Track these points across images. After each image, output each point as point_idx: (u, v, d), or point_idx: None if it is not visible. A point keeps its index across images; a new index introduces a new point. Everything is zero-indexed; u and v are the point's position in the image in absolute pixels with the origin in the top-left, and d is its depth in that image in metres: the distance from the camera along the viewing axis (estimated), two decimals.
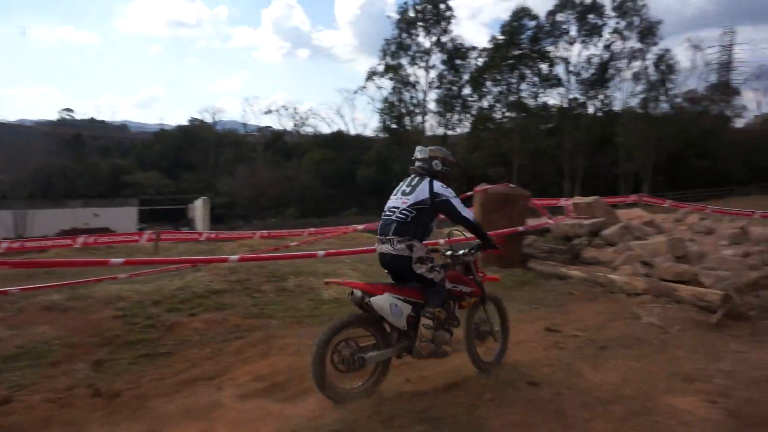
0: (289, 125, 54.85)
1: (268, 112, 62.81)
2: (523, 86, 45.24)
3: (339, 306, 5.46)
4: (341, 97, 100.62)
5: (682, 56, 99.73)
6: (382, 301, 3.23)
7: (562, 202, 10.16)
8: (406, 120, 45.49)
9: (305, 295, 5.97)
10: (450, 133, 46.64)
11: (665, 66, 43.28)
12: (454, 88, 45.94)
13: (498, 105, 46.26)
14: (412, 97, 45.53)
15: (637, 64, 43.72)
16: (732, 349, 4.22)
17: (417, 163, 3.56)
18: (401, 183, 3.52)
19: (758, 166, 42.73)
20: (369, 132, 52.15)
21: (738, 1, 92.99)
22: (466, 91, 46.32)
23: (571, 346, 4.29)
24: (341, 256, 7.13)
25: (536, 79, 44.91)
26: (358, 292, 3.26)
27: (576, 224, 8.19)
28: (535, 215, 9.34)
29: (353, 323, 3.27)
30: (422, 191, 3.37)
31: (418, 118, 45.25)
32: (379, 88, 47.05)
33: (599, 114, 46.06)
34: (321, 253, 5.62)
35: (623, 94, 45.53)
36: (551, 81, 44.84)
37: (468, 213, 3.44)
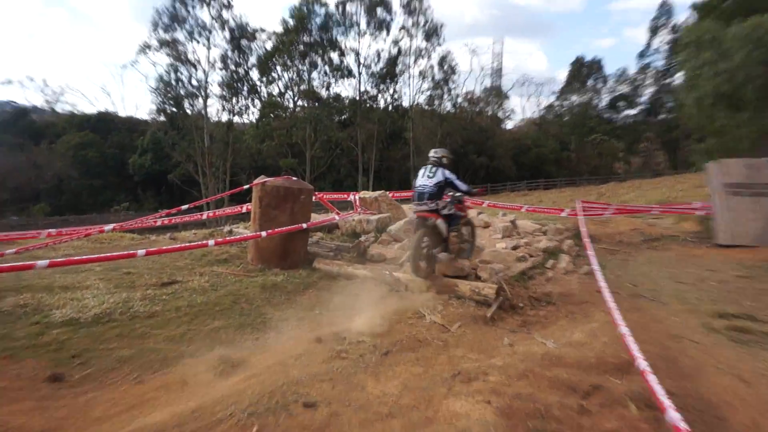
0: (38, 101, 47.01)
1: (8, 82, 53.05)
2: (315, 75, 46.05)
3: (74, 330, 4.55)
4: (108, 71, 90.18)
5: (461, 59, 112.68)
6: (439, 222, 6.18)
7: (351, 196, 10.29)
8: (186, 103, 42.56)
9: (28, 317, 4.87)
10: (237, 120, 45.14)
11: (448, 66, 48.28)
12: (240, 70, 44.49)
13: (289, 92, 46.28)
14: (191, 77, 42.74)
15: (423, 62, 47.81)
16: (505, 343, 4.54)
17: (433, 158, 6.49)
18: (424, 169, 6.42)
19: (525, 164, 50.54)
20: (143, 114, 47.59)
21: (504, 16, 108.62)
22: (254, 75, 45.31)
23: (355, 355, 4.17)
24: (91, 263, 6.06)
25: (327, 68, 46.05)
26: (432, 219, 6.16)
27: (363, 220, 8.27)
28: (324, 213, 9.21)
29: (425, 235, 6.11)
30: (439, 176, 6.29)
31: (200, 102, 42.70)
32: (154, 64, 43.34)
33: (390, 108, 49.20)
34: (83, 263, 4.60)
35: (411, 90, 49.46)
36: (342, 71, 46.46)
37: (464, 186, 6.37)
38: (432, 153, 6.61)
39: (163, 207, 36.25)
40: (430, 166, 6.45)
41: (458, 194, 6.56)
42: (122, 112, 48.00)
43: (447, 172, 6.39)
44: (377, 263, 7.13)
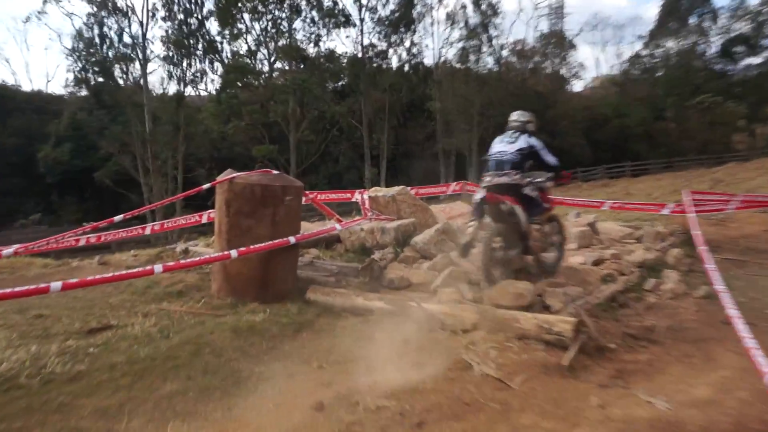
0: None
1: None
2: (298, 24, 46.38)
3: None
4: (3, 28, 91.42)
5: None
6: (518, 209, 6.72)
7: (356, 195, 10.22)
8: (117, 69, 42.94)
9: None
10: (190, 92, 45.44)
11: (487, 5, 48.19)
12: (192, 20, 44.68)
13: (262, 51, 46.51)
14: (123, 32, 43.03)
15: (451, 1, 47.80)
16: (593, 404, 4.40)
17: (516, 123, 7.31)
18: (502, 136, 7.31)
19: (602, 142, 50.22)
20: (57, 88, 48.08)
21: None
22: (213, 27, 45.66)
23: (373, 428, 4.05)
24: None
25: (315, 13, 46.22)
26: (507, 203, 6.77)
27: (376, 229, 8.25)
28: (322, 220, 9.22)
29: (493, 234, 6.79)
30: (521, 142, 7.07)
31: (137, 67, 43.06)
32: (70, 15, 43.71)
33: (407, 69, 49.27)
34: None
35: (436, 43, 49.47)
36: (337, 18, 46.58)
37: (551, 158, 7.15)
38: (515, 116, 7.48)
39: (90, 218, 36.44)
40: (510, 131, 7.36)
41: (542, 179, 7.24)
42: (27, 86, 48.47)
43: (533, 139, 7.18)
44: (398, 291, 7.07)
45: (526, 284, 6.46)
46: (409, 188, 10.58)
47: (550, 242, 7.62)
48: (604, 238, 9.69)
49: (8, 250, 8.18)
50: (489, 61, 50.20)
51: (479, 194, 7.21)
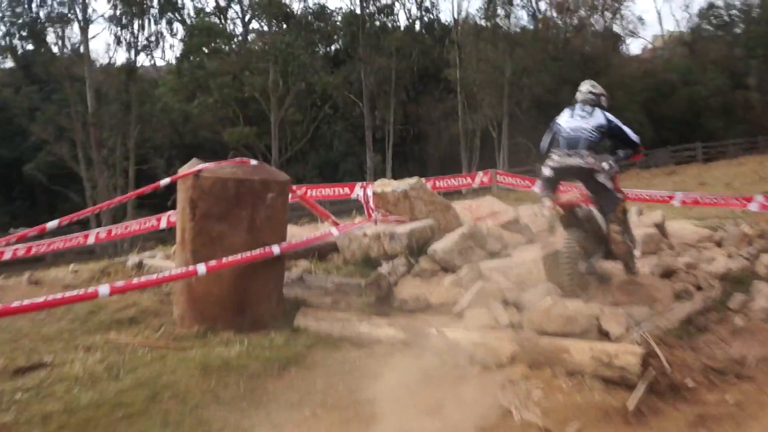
0: None
1: None
2: None
3: None
4: None
5: None
6: (596, 213, 7.45)
7: (357, 191, 10.17)
8: (51, 33, 42.98)
9: None
10: (143, 61, 45.46)
11: None
12: None
13: (234, 7, 46.53)
14: None
15: None
16: None
17: (585, 96, 7.84)
18: (571, 109, 7.84)
19: (666, 117, 50.05)
20: None
21: None
22: None
23: None
24: None
25: None
26: (584, 207, 7.44)
27: (384, 234, 8.20)
28: (313, 222, 9.20)
29: (575, 244, 7.18)
30: (599, 117, 7.56)
31: (75, 30, 43.10)
32: None
33: (419, 27, 49.24)
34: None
35: None
36: None
37: (635, 135, 7.75)
38: (587, 87, 8.01)
39: (18, 223, 36.50)
40: (580, 104, 7.89)
41: (618, 158, 7.87)
42: None
43: (610, 115, 7.72)
44: (413, 314, 7.02)
45: (578, 304, 6.39)
46: (424, 180, 10.49)
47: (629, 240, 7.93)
48: (675, 242, 9.62)
49: None
50: (522, 17, 50.30)
51: (547, 170, 7.76)
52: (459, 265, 8.12)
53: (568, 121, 7.74)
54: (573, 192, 8.00)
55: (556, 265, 7.24)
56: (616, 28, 56.37)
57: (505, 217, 10.39)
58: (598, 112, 7.66)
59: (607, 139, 7.75)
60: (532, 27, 50.82)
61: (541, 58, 47.74)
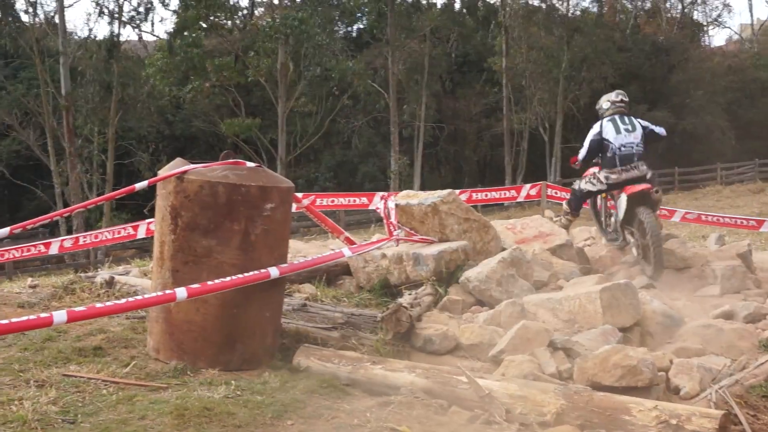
0: None
1: None
2: None
3: None
4: None
5: None
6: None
7: (376, 201, 10.06)
8: (19, 1, 43.35)
9: None
10: (128, 35, 45.73)
11: None
12: None
13: None
14: None
15: None
16: None
17: (619, 106, 9.96)
18: (612, 122, 9.78)
19: (752, 125, 49.65)
20: None
21: None
22: None
23: None
24: None
25: None
26: (660, 192, 9.59)
27: (406, 256, 8.10)
28: (323, 235, 9.15)
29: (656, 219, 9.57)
30: (638, 128, 9.73)
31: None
32: None
33: (458, 6, 49.33)
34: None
35: None
36: None
37: (661, 129, 10.31)
38: (619, 96, 10.18)
39: None
40: (617, 115, 9.94)
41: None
42: None
43: (641, 120, 9.97)
44: (439, 356, 6.95)
45: (641, 352, 6.23)
46: (458, 192, 10.36)
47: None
48: (763, 277, 9.42)
49: None
50: None
51: (596, 185, 9.96)
52: (497, 298, 7.97)
53: (617, 137, 9.64)
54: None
55: (617, 302, 7.12)
56: (696, 15, 56.26)
57: (555, 240, 10.25)
58: (635, 121, 9.76)
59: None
60: (595, 10, 50.78)
61: (605, 48, 47.76)
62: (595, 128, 10.15)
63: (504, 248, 9.25)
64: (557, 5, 48.60)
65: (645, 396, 5.81)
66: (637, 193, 9.43)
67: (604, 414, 5.51)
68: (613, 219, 10.56)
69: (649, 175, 9.45)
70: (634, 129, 9.66)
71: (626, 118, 9.78)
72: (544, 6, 48.72)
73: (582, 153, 10.44)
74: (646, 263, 9.58)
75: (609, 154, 9.63)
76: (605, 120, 9.95)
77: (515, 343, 6.77)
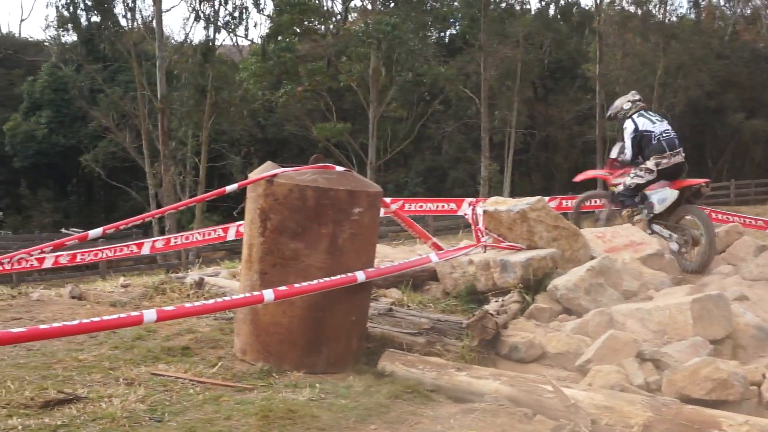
0: None
1: None
2: None
3: None
4: None
5: None
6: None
7: (465, 207, 10.01)
8: (120, 4, 44.07)
9: None
10: (223, 40, 46.20)
11: None
12: None
13: None
14: None
15: None
16: None
17: (640, 104, 11.05)
18: (643, 116, 10.74)
19: None
20: (34, 30, 49.82)
21: None
22: None
23: None
24: None
25: None
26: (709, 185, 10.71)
27: (493, 263, 8.03)
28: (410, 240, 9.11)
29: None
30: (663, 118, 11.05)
31: (147, 2, 44.12)
32: None
33: (553, 12, 48.90)
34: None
35: None
36: None
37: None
38: (636, 95, 11.19)
39: (71, 223, 37.38)
40: (642, 111, 10.87)
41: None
42: None
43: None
44: (525, 364, 6.89)
45: (732, 365, 6.11)
46: (548, 199, 10.27)
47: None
48: None
49: None
50: (681, 4, 49.46)
51: (647, 175, 10.40)
52: (585, 307, 7.90)
53: (655, 126, 10.46)
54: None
55: (708, 314, 7.00)
56: None
57: (646, 250, 10.10)
58: (658, 115, 10.77)
59: None
60: (692, 17, 49.96)
61: (702, 55, 46.92)
62: (630, 125, 10.83)
63: (593, 257, 9.15)
64: (653, 11, 47.98)
65: (735, 410, 5.70)
66: (689, 187, 10.23)
67: (693, 427, 5.42)
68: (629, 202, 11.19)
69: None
70: (662, 119, 10.62)
71: (650, 112, 10.78)
72: (639, 12, 48.10)
73: (628, 152, 10.95)
74: (687, 259, 10.14)
75: (654, 143, 10.27)
76: (634, 116, 10.72)
77: (602, 353, 6.70)
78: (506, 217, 9.51)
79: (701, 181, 10.54)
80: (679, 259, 10.18)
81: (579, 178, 13.13)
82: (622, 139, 11.30)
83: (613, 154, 12.14)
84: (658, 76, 44.95)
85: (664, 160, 10.11)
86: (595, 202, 14.01)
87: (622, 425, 5.55)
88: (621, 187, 11.21)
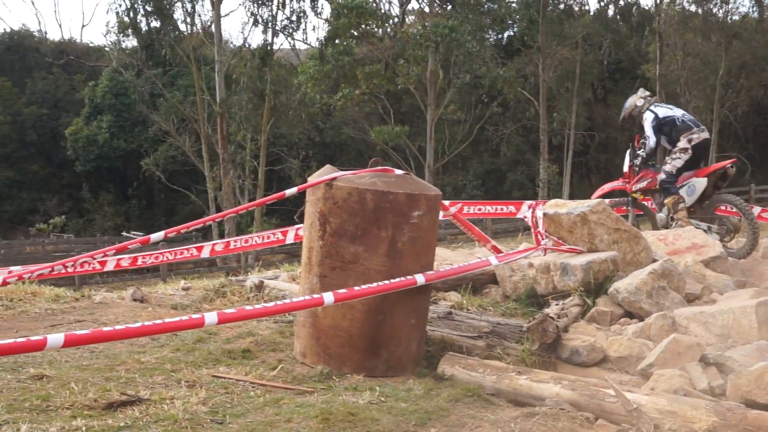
0: None
1: None
2: None
3: None
4: None
5: None
6: None
7: (524, 210, 9.96)
8: (179, 10, 44.47)
9: None
10: (282, 44, 46.40)
11: None
12: None
13: None
14: None
15: None
16: None
17: (650, 98, 11.77)
18: (661, 107, 11.70)
19: None
20: (96, 37, 50.52)
21: None
22: None
23: None
24: None
25: None
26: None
27: (554, 266, 7.98)
28: (469, 243, 9.05)
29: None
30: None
31: (206, 7, 44.45)
32: None
33: (612, 13, 48.47)
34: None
35: None
36: None
37: None
38: (646, 92, 11.88)
39: (132, 226, 37.76)
40: (655, 103, 11.65)
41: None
42: (54, 33, 50.99)
43: None
44: (586, 368, 6.82)
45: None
46: (608, 201, 10.16)
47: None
48: None
49: (10, 276, 8.36)
50: (743, 3, 48.88)
51: (686, 155, 10.97)
52: (647, 310, 7.78)
53: (674, 110, 11.46)
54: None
55: None
56: None
57: (709, 252, 9.97)
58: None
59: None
60: (755, 15, 49.28)
61: (765, 54, 46.25)
62: (649, 116, 11.49)
63: (655, 259, 9.02)
64: (714, 11, 47.40)
65: None
66: (714, 172, 11.08)
67: None
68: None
69: None
70: (676, 107, 11.60)
71: (663, 103, 11.89)
72: (700, 11, 47.56)
73: (651, 139, 11.48)
74: (732, 246, 10.95)
75: (679, 123, 11.14)
76: (651, 107, 11.55)
77: (665, 356, 6.62)
78: (566, 220, 9.43)
79: (726, 163, 11.18)
80: (725, 250, 10.27)
81: (596, 194, 12.81)
82: (643, 137, 11.84)
83: (625, 167, 12.35)
84: (720, 76, 44.40)
85: (695, 135, 10.88)
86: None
87: (686, 430, 5.48)
88: (663, 176, 11.39)
